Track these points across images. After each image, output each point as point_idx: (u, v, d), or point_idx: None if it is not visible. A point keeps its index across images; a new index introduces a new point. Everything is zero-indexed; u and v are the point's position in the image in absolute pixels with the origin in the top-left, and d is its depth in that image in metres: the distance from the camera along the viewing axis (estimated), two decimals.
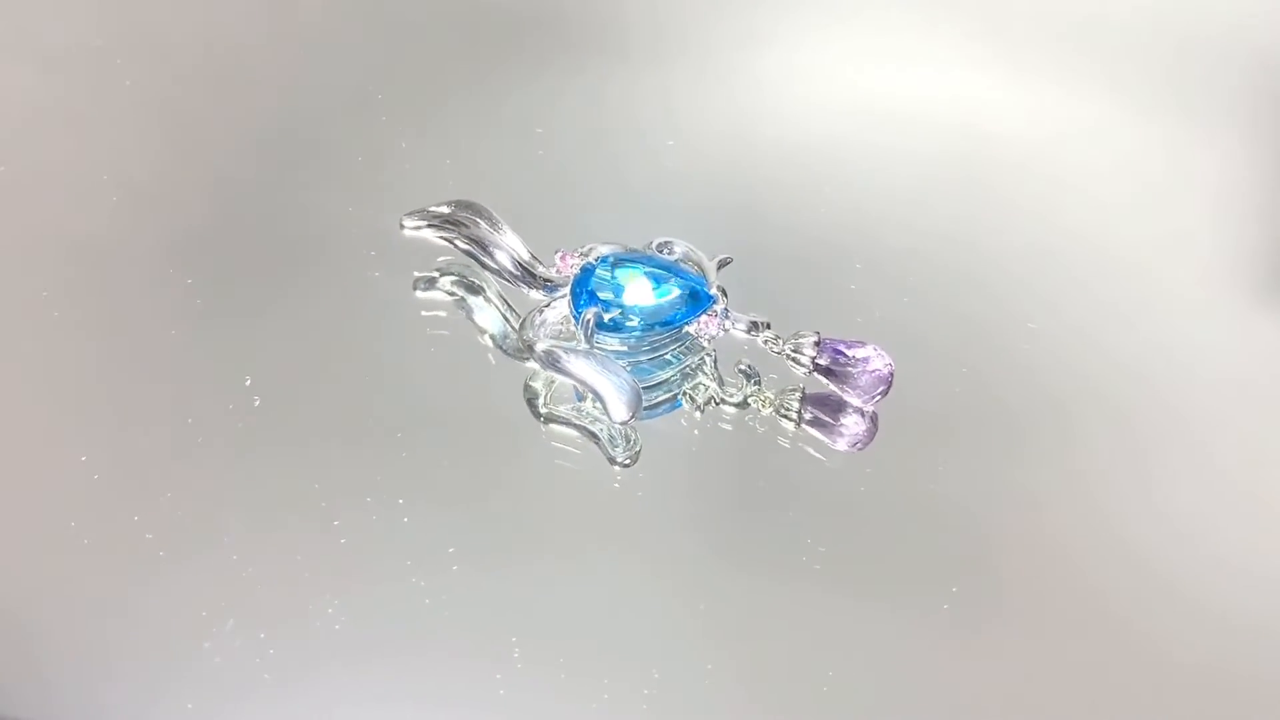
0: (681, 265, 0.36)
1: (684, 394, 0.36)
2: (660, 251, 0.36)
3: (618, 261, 0.35)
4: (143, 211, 0.40)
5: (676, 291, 0.35)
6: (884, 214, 0.41)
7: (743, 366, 0.36)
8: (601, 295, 0.35)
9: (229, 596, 0.31)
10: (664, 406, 0.36)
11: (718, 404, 0.36)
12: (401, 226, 0.37)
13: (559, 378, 0.34)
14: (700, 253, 0.36)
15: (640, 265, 0.35)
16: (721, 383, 0.36)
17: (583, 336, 0.34)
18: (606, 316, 0.34)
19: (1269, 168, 0.43)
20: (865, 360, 0.34)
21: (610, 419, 0.33)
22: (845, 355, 0.34)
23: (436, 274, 0.38)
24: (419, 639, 0.31)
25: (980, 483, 0.35)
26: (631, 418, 0.33)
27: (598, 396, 0.34)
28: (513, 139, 0.42)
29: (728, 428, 0.36)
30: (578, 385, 0.34)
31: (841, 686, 0.31)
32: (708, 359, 0.36)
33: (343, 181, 0.41)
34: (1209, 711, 0.31)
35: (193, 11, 0.47)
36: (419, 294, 0.38)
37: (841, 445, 0.35)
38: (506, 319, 0.37)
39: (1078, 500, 0.35)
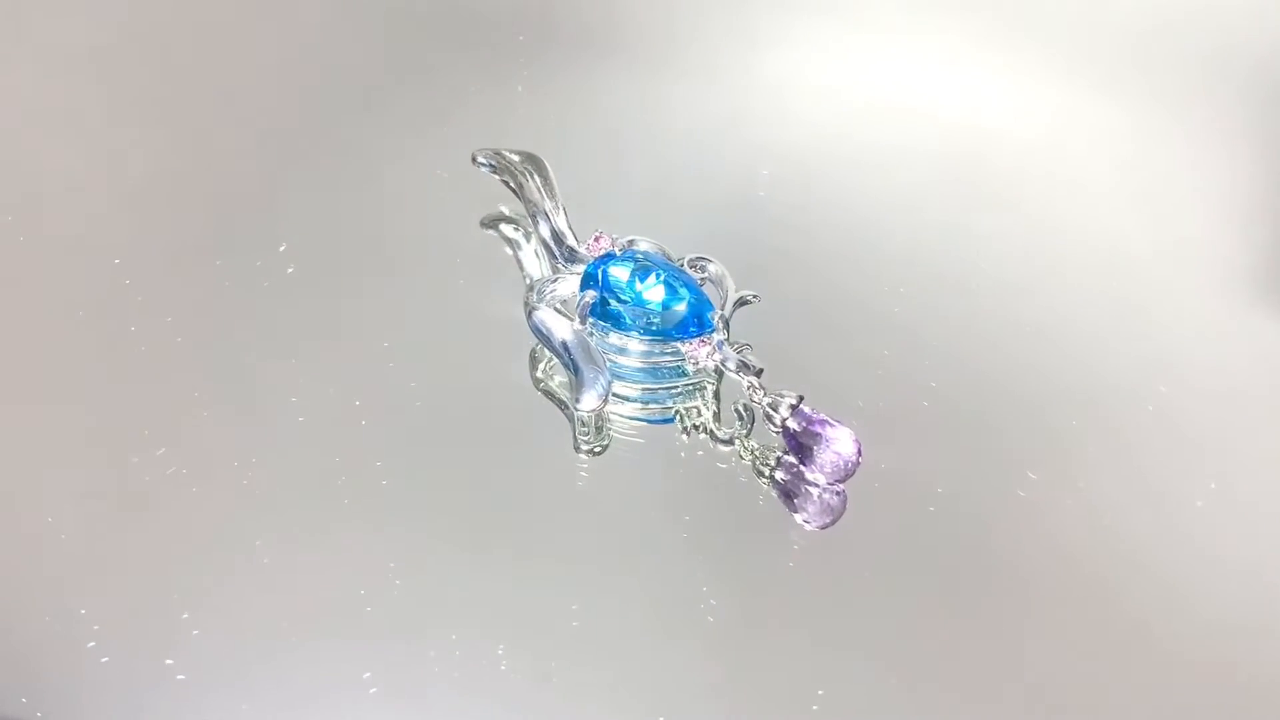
0: (704, 284, 0.36)
1: (677, 412, 0.36)
2: (691, 267, 0.36)
3: (640, 260, 0.35)
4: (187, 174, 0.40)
5: (678, 306, 0.34)
6: (882, 213, 0.41)
7: (739, 406, 0.35)
8: (611, 283, 0.35)
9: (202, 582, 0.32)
10: (657, 416, 0.36)
11: (704, 433, 0.35)
12: (473, 159, 0.38)
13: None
14: (731, 281, 0.36)
15: (658, 270, 0.35)
16: (717, 415, 0.36)
17: (577, 316, 0.35)
18: (611, 305, 0.35)
19: (1270, 168, 0.43)
20: (832, 440, 0.33)
21: (574, 404, 0.34)
22: (815, 428, 0.33)
23: (486, 217, 0.39)
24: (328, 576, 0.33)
25: (974, 483, 0.35)
26: (594, 411, 0.34)
27: (571, 378, 0.34)
28: (511, 136, 0.42)
29: (723, 466, 0.35)
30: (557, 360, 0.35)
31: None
32: (709, 386, 0.36)
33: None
34: (1205, 711, 0.31)
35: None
36: (483, 230, 0.39)
37: (799, 518, 0.34)
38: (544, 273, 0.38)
39: (1075, 501, 0.35)
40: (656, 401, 0.36)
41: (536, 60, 0.45)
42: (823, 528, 0.34)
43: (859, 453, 0.33)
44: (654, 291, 0.35)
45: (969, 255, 0.40)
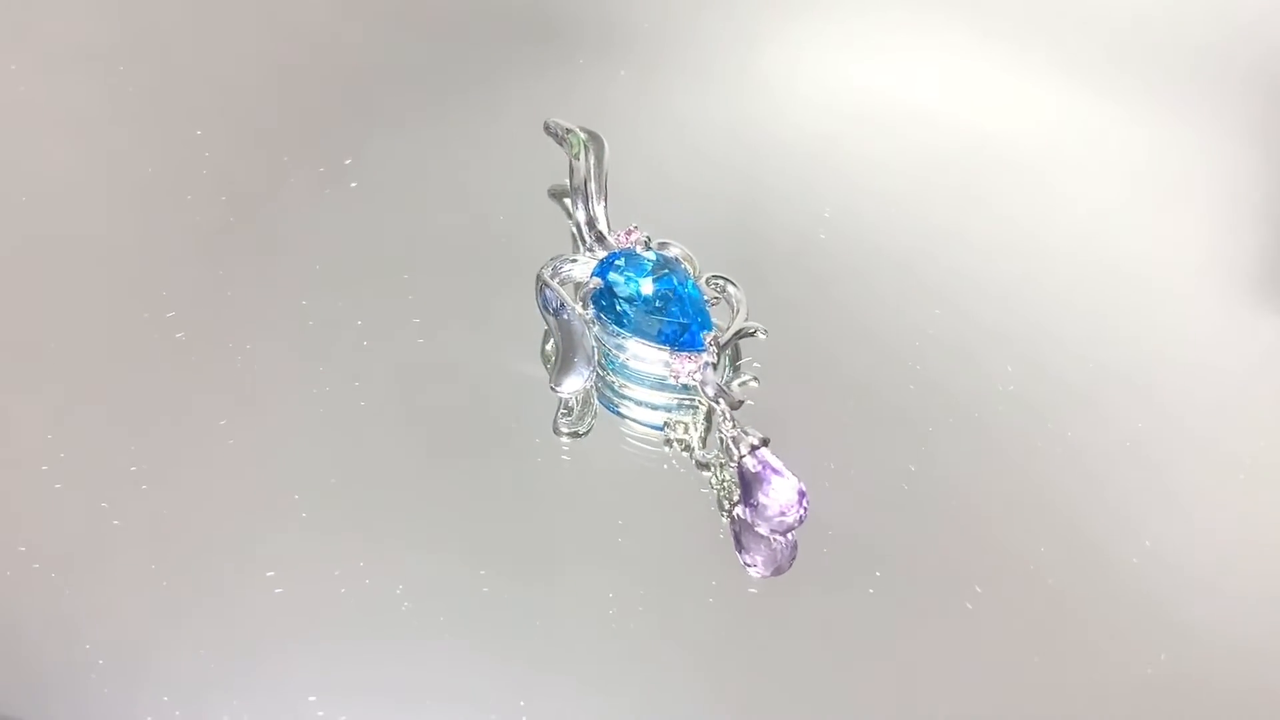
0: (717, 304, 0.35)
1: (666, 423, 0.35)
2: (709, 285, 0.35)
3: (655, 263, 0.35)
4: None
5: (671, 316, 0.34)
6: (883, 213, 0.41)
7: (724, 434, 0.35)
8: (620, 277, 0.35)
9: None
10: (646, 420, 0.36)
11: (685, 450, 0.35)
12: (545, 126, 0.38)
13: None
14: (744, 310, 0.35)
15: (668, 277, 0.35)
16: (704, 438, 0.35)
17: (579, 300, 0.35)
18: (615, 298, 0.35)
19: (1269, 168, 0.43)
20: (774, 487, 0.32)
21: (552, 385, 0.34)
22: (764, 472, 0.32)
23: (554, 187, 0.40)
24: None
25: (973, 479, 0.35)
26: (573, 394, 0.34)
27: (556, 358, 0.34)
28: (511, 137, 0.42)
29: (705, 491, 0.35)
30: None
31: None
32: (701, 405, 0.35)
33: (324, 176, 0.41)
34: None
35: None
36: (550, 198, 0.40)
37: (743, 559, 0.33)
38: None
39: (1074, 500, 0.35)
40: (648, 405, 0.35)
41: (541, 57, 0.45)
42: (763, 576, 0.33)
43: (800, 507, 0.32)
44: (654, 296, 0.34)
45: (967, 255, 0.40)
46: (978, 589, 0.33)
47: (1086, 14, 0.48)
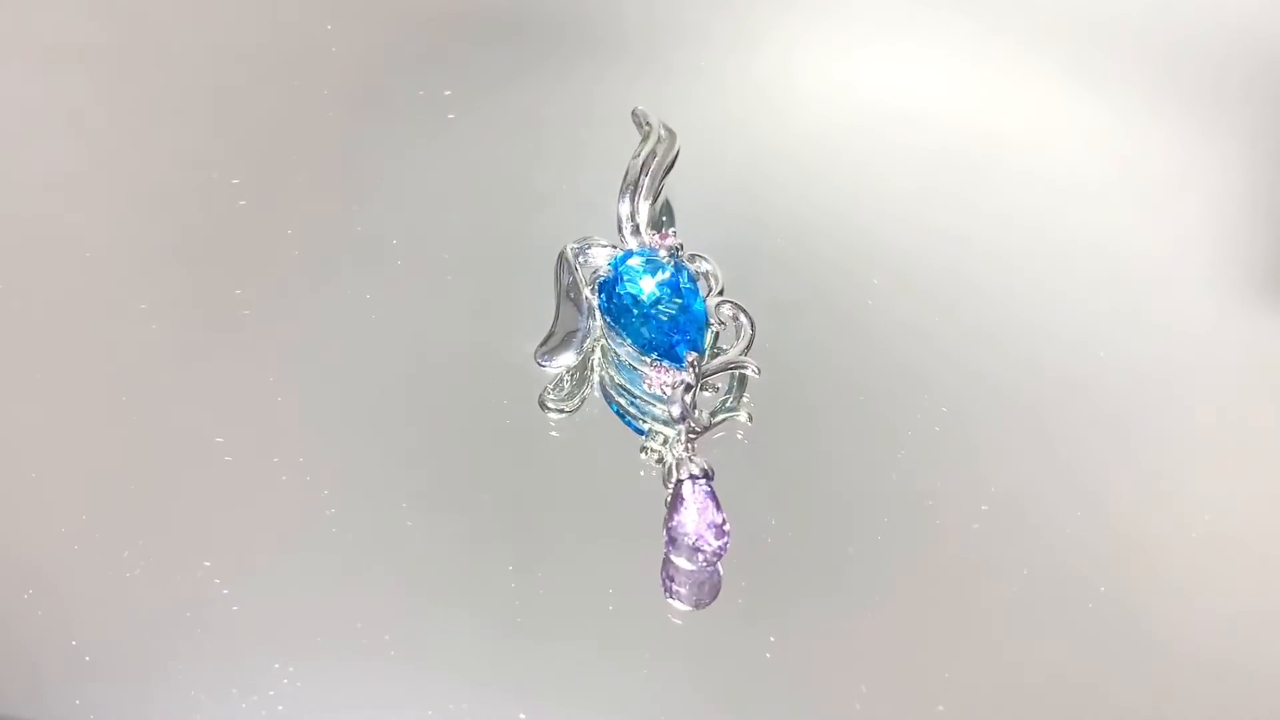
0: (722, 328, 0.35)
1: (651, 431, 0.35)
2: (719, 308, 0.35)
3: (673, 273, 0.35)
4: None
5: (664, 328, 0.34)
6: (882, 214, 0.40)
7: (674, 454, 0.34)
8: (629, 274, 0.35)
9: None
10: (633, 422, 0.35)
11: (658, 461, 0.35)
12: (633, 112, 0.39)
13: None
14: (744, 343, 0.34)
15: (678, 292, 0.34)
16: (677, 456, 0.35)
17: (587, 285, 0.35)
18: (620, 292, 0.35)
19: (1269, 168, 0.43)
20: (686, 520, 0.31)
21: (536, 353, 0.34)
22: (686, 501, 0.32)
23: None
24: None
25: (972, 481, 0.35)
26: (546, 368, 0.34)
27: (551, 331, 0.35)
28: (508, 138, 0.42)
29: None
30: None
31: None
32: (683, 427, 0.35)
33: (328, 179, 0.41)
34: None
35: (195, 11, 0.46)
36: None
37: (664, 583, 0.33)
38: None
39: (1075, 503, 0.34)
40: (639, 409, 0.35)
41: (536, 58, 0.45)
42: (676, 602, 0.32)
43: (710, 543, 0.31)
44: (656, 301, 0.34)
45: (967, 256, 0.40)
46: (861, 689, 0.31)
47: (1087, 14, 0.47)
